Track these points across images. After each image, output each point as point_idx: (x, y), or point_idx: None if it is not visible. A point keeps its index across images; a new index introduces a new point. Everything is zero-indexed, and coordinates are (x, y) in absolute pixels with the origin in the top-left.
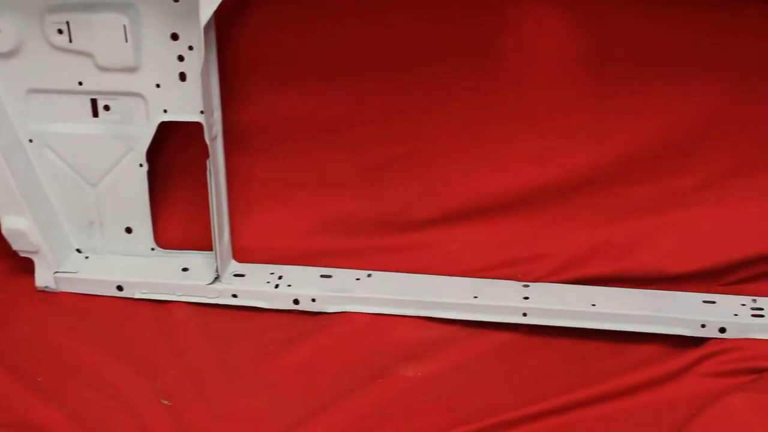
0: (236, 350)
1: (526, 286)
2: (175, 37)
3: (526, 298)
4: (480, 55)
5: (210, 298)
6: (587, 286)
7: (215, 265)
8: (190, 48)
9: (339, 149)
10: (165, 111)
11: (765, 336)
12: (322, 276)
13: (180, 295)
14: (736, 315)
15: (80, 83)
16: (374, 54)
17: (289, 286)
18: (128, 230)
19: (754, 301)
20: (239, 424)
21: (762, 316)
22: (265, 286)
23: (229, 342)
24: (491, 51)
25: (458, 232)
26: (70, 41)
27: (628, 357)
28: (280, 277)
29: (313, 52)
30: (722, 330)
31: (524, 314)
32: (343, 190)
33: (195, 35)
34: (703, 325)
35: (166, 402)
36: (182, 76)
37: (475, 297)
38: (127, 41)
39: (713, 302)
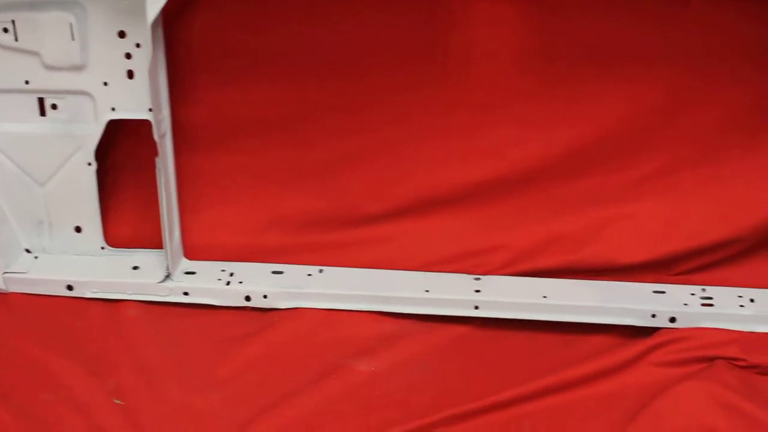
0: (188, 348)
1: (478, 279)
2: (122, 34)
3: (477, 291)
4: (429, 49)
5: (161, 296)
6: (538, 279)
7: (166, 263)
8: (138, 45)
9: (288, 146)
10: (113, 109)
11: (714, 325)
12: (273, 272)
13: (131, 294)
14: (685, 305)
15: (27, 82)
16: (322, 50)
17: (241, 282)
18: (78, 229)
19: (704, 290)
20: (192, 422)
21: (711, 305)
22: (216, 283)
23: (181, 340)
24: (440, 45)
25: (409, 226)
26: (16, 40)
27: (580, 348)
28: (231, 274)
29: (261, 49)
30: (672, 319)
31: (476, 307)
32: (294, 187)
33: (142, 33)
34: (653, 315)
35: (118, 401)
36: (130, 74)
37: (427, 291)
38: (73, 39)
39: (663, 292)
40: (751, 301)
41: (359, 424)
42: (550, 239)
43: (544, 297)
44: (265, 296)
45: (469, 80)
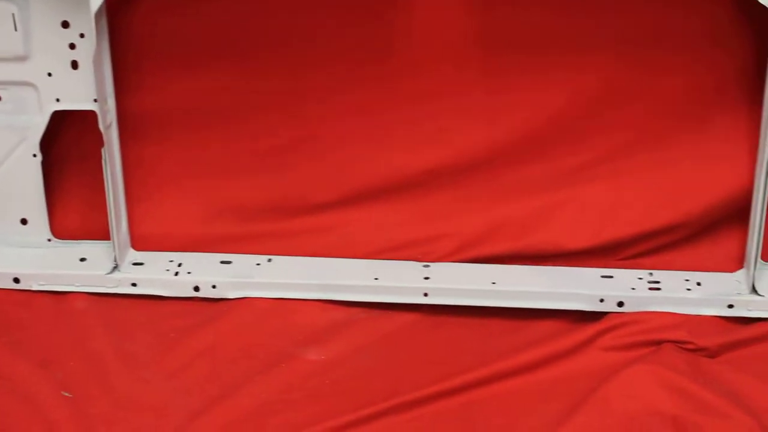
0: (137, 339)
1: (426, 266)
2: (65, 24)
3: (426, 278)
4: (373, 38)
5: (109, 287)
6: (487, 265)
7: (113, 254)
8: (82, 36)
9: (236, 135)
10: (57, 100)
11: (662, 309)
12: (221, 262)
13: (78, 286)
14: (633, 289)
15: None
16: (268, 39)
17: (189, 273)
18: (23, 221)
19: (651, 274)
20: (142, 413)
21: (659, 289)
22: (164, 273)
23: (130, 331)
24: (384, 34)
25: (357, 214)
26: None
27: (529, 333)
28: (179, 265)
29: (207, 38)
30: (620, 304)
31: (425, 294)
32: (241, 176)
33: (86, 23)
34: (601, 300)
35: (67, 394)
36: (74, 65)
37: (376, 279)
38: (16, 30)
39: (611, 277)
40: (698, 284)
41: (309, 413)
42: (497, 226)
43: (493, 283)
44: (213, 286)
45: (412, 69)
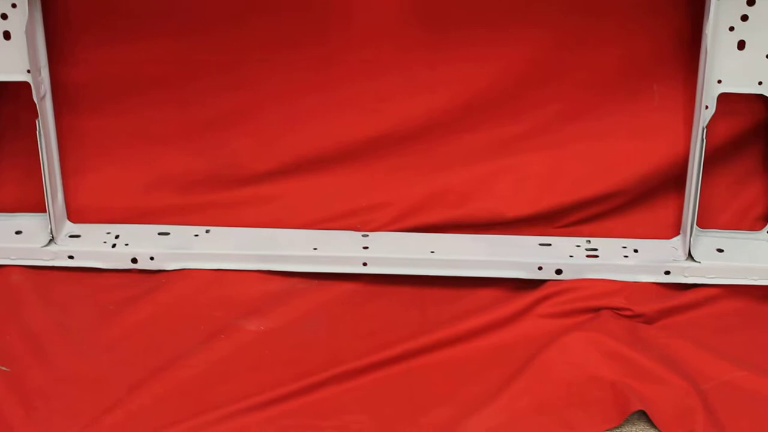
0: (75, 312)
1: (366, 236)
2: None
3: (365, 247)
4: (311, 8)
5: (45, 260)
6: (426, 234)
7: (49, 226)
8: (14, 5)
9: (171, 105)
10: None
11: (600, 276)
12: (159, 233)
13: (14, 259)
14: (571, 256)
15: None
16: (203, 8)
17: (127, 245)
18: None
19: (588, 242)
20: (80, 386)
21: (596, 256)
22: (101, 246)
23: (68, 304)
24: (322, 3)
25: (296, 184)
26: None
27: (468, 302)
28: (117, 237)
29: (140, 6)
30: (558, 271)
31: (364, 264)
32: (178, 147)
33: None
34: (540, 268)
35: (4, 368)
36: (6, 35)
37: (315, 249)
38: None
39: (549, 245)
40: (635, 251)
41: (250, 383)
42: (436, 194)
43: (432, 252)
44: (151, 258)
45: (351, 37)
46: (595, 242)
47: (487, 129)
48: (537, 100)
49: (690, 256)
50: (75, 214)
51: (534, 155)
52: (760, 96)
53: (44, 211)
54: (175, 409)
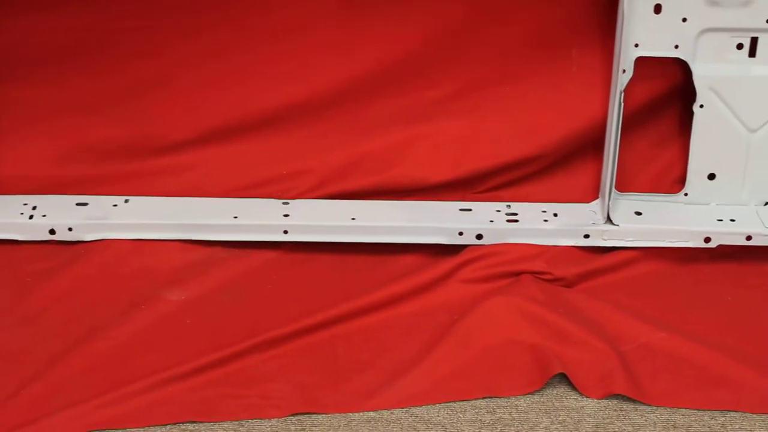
0: None
1: (286, 203)
2: None
3: (286, 215)
4: None
5: None
6: (346, 201)
7: None
8: None
9: (87, 73)
10: None
11: (520, 240)
12: (77, 204)
13: None
14: (491, 221)
15: None
16: None
17: (44, 216)
18: None
19: (509, 206)
20: None
21: (516, 221)
22: (18, 217)
23: None
24: None
25: (215, 152)
26: None
27: (390, 268)
28: (34, 208)
29: None
30: (479, 236)
31: (285, 231)
32: (94, 116)
33: None
34: (460, 233)
35: None
36: None
37: (235, 217)
38: None
39: (469, 210)
40: (555, 215)
41: (171, 353)
42: (356, 161)
43: (353, 219)
44: (69, 229)
45: (269, 7)
46: (515, 207)
47: (406, 93)
48: (455, 66)
49: (609, 220)
50: None
51: (453, 121)
52: (677, 59)
53: None
54: (96, 381)
